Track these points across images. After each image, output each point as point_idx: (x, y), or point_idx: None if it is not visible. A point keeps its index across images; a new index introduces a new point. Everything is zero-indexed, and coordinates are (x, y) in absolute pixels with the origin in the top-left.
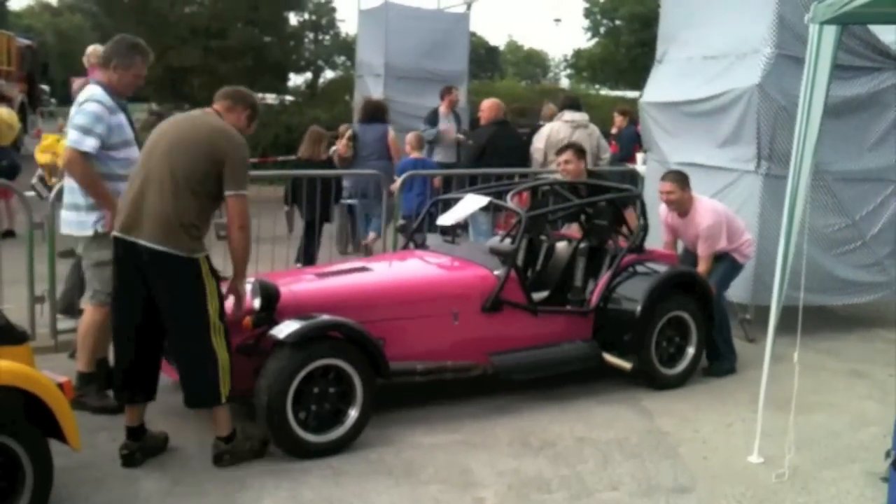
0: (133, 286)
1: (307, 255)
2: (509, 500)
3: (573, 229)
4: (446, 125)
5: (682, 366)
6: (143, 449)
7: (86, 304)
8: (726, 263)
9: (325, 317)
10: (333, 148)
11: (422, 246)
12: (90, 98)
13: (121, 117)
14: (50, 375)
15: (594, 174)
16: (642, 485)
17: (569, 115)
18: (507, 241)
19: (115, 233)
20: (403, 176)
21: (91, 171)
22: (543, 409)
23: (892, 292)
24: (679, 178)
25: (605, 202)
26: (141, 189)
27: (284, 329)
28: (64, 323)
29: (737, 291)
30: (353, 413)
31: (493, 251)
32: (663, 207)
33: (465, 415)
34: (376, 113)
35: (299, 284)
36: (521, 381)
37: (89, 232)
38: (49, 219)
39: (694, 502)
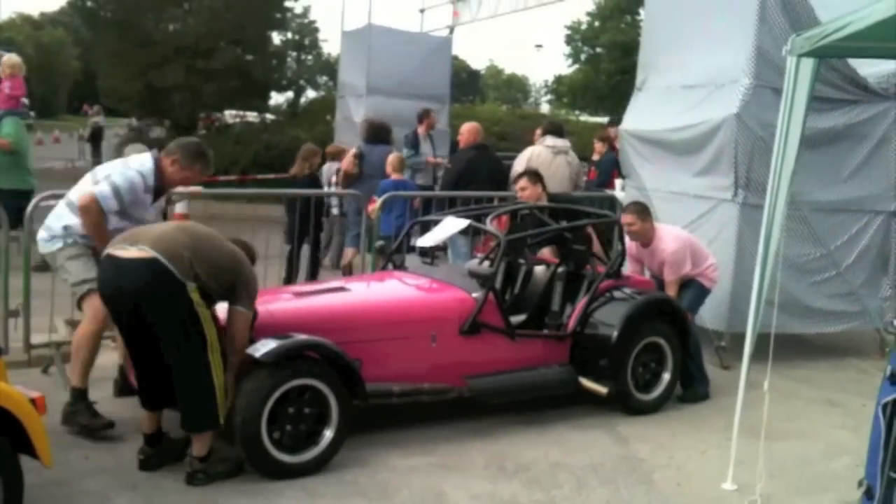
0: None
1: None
2: None
3: (547, 252)
4: (429, 151)
5: (657, 391)
6: (159, 454)
7: (82, 311)
8: (694, 289)
9: (302, 337)
10: (338, 166)
11: (400, 267)
12: (139, 169)
13: (148, 199)
14: (22, 391)
15: (571, 200)
16: None
17: (550, 140)
18: (486, 263)
19: (106, 251)
20: (384, 197)
21: (101, 221)
22: (519, 433)
23: (865, 322)
24: (639, 210)
25: (584, 227)
26: (157, 227)
27: (261, 348)
28: (37, 337)
29: (712, 319)
30: (329, 434)
31: (472, 274)
32: (628, 242)
33: (441, 438)
34: (380, 133)
35: (276, 304)
36: (497, 404)
37: (59, 245)
38: (24, 232)
39: None
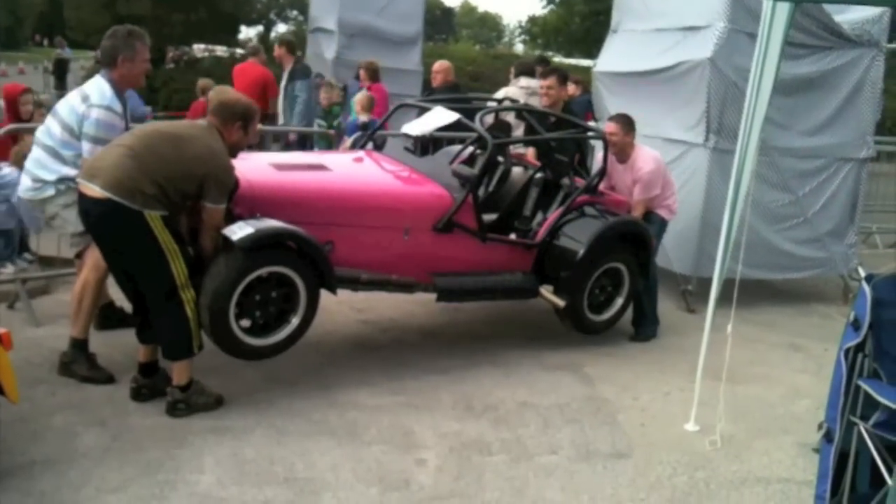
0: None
1: None
2: (450, 461)
3: (530, 154)
4: None
5: (608, 314)
6: (150, 386)
7: (78, 262)
8: (655, 223)
9: (280, 224)
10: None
11: (381, 147)
12: (101, 105)
13: (122, 123)
14: None
15: (561, 119)
16: (581, 450)
17: (524, 81)
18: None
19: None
20: (353, 136)
21: None
22: (487, 373)
23: (831, 269)
24: (624, 121)
25: (570, 139)
26: (113, 152)
27: (238, 231)
28: (2, 273)
29: (679, 262)
30: (296, 321)
31: (455, 174)
32: (599, 155)
33: (409, 377)
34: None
35: (256, 176)
36: (463, 326)
37: (51, 192)
38: None
39: (630, 468)
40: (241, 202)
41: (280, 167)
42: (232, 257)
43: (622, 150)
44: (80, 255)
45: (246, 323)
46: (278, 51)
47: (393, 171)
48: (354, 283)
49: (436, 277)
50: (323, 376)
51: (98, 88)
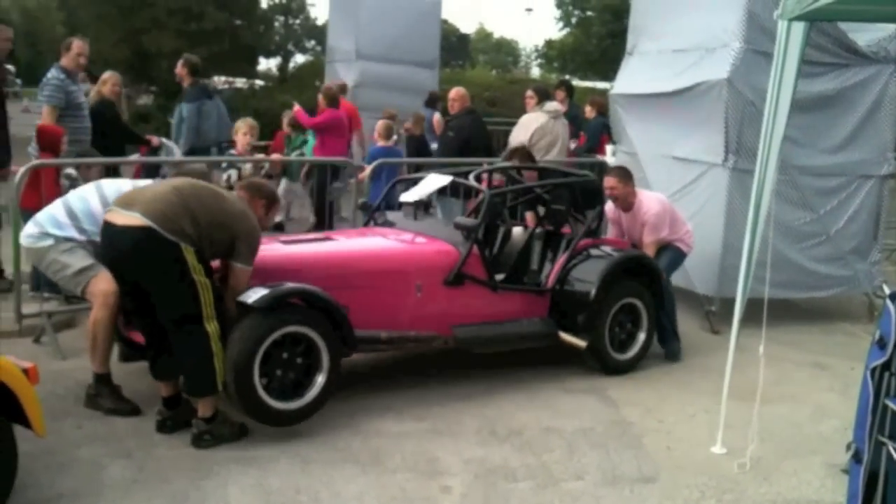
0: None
1: None
2: (475, 488)
3: (529, 218)
4: None
5: (633, 351)
6: (175, 417)
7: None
8: (671, 252)
9: (293, 284)
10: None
11: (384, 224)
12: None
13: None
14: (14, 361)
15: (549, 171)
16: (607, 474)
17: (550, 105)
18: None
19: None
20: (374, 164)
21: None
22: (510, 398)
23: (855, 286)
24: (621, 174)
25: (564, 188)
26: (154, 187)
27: (253, 295)
28: (29, 307)
29: (702, 283)
30: (320, 380)
31: (457, 226)
32: (609, 206)
33: (432, 403)
34: (433, 100)
35: (266, 252)
36: (483, 365)
37: (50, 242)
38: (14, 201)
39: (657, 492)
40: (252, 277)
41: (288, 243)
42: (250, 321)
43: (625, 200)
44: (83, 293)
45: (271, 386)
46: (180, 70)
47: (395, 235)
48: (375, 343)
49: (454, 329)
50: (346, 403)
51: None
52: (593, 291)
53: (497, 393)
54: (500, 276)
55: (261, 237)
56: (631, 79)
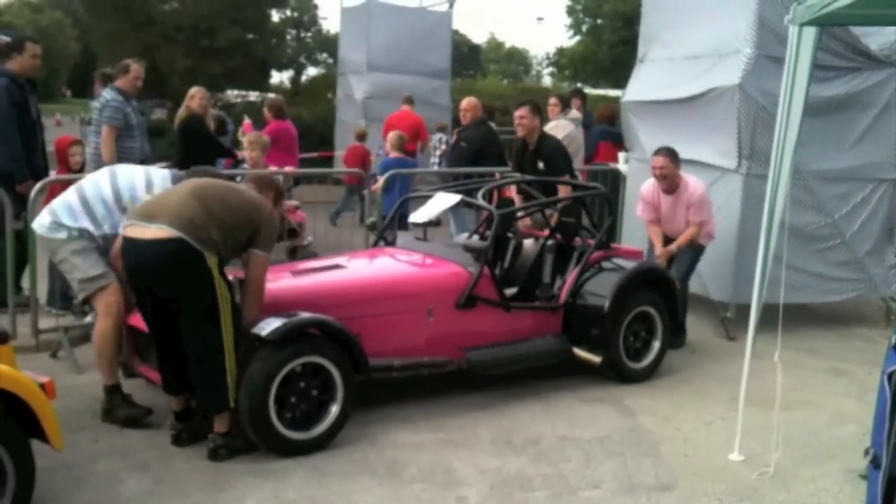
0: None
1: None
2: (492, 498)
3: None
4: None
5: (648, 359)
6: (189, 430)
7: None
8: (691, 253)
9: (306, 314)
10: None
11: (392, 244)
12: None
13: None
14: (31, 376)
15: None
16: (624, 483)
17: (572, 114)
18: (475, 237)
19: (123, 232)
20: (386, 175)
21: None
22: (526, 407)
23: (870, 290)
24: (671, 154)
25: (573, 200)
26: (173, 196)
27: (266, 327)
28: (45, 322)
29: (717, 290)
30: (335, 409)
31: (466, 248)
32: (646, 189)
33: (448, 414)
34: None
35: (276, 283)
36: (498, 376)
37: (63, 235)
38: (27, 218)
39: (675, 500)
40: (264, 310)
41: (297, 273)
42: (264, 353)
43: (672, 181)
44: (87, 301)
45: (285, 416)
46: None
47: (405, 258)
48: (388, 371)
49: (468, 352)
50: (361, 414)
51: (163, 179)
52: (607, 305)
53: (512, 402)
54: (511, 291)
55: (277, 224)
56: (643, 86)
